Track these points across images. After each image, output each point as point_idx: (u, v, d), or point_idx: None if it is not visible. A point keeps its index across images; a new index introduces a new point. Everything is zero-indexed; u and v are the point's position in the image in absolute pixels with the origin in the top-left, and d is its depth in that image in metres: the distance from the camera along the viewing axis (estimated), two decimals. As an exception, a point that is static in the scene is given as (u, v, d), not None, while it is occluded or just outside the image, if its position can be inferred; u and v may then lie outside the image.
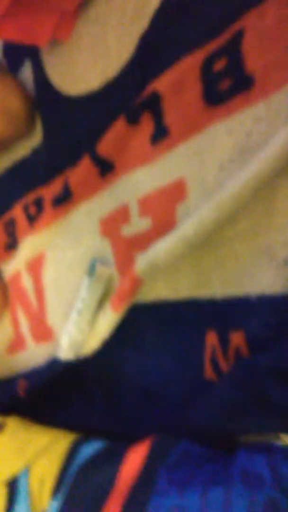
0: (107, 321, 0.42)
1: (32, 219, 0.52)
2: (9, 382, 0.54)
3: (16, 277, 0.55)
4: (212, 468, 0.32)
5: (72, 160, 0.47)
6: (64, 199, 0.47)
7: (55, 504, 0.32)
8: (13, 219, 0.55)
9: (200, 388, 0.38)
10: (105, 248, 0.45)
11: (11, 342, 0.57)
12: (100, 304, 0.44)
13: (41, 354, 0.52)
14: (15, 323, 0.56)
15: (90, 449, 0.36)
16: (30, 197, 0.53)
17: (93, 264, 0.44)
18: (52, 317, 0.51)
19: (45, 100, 0.51)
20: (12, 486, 0.36)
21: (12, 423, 0.43)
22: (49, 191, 0.50)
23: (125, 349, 0.44)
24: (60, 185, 0.49)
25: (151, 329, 0.42)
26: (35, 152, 0.53)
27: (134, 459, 0.33)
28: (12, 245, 0.57)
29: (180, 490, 0.30)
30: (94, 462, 0.35)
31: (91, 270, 0.44)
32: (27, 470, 0.36)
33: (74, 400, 0.48)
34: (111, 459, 0.34)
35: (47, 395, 0.49)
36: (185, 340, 0.40)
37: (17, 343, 0.56)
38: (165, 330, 0.41)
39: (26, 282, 0.54)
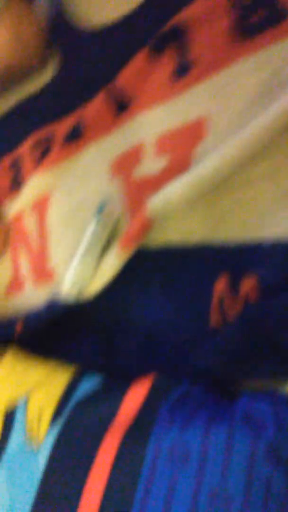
0: (113, 262, 0.41)
1: (40, 158, 0.51)
2: (6, 324, 0.53)
3: (19, 217, 0.54)
4: (214, 409, 0.32)
5: (86, 97, 0.45)
6: (75, 137, 0.46)
7: (51, 437, 0.32)
8: (20, 157, 0.54)
9: (204, 335, 0.38)
10: (114, 190, 0.44)
11: (9, 283, 0.56)
12: (107, 246, 0.43)
13: (39, 296, 0.51)
14: (15, 264, 0.55)
15: (90, 383, 0.36)
16: (39, 135, 0.51)
17: (102, 206, 0.43)
18: (54, 259, 0.49)
19: (60, 32, 0.48)
20: (9, 417, 0.35)
21: (10, 355, 0.43)
22: (60, 129, 0.48)
23: (130, 293, 0.43)
24: (71, 122, 0.47)
25: (158, 274, 0.42)
26: (47, 88, 0.51)
27: (135, 395, 0.33)
28: (17, 185, 0.55)
29: (181, 428, 0.30)
30: (94, 396, 0.34)
31: (99, 212, 0.43)
32: (25, 402, 0.36)
33: (74, 343, 0.47)
34: (111, 393, 0.34)
35: (45, 337, 0.49)
36: (192, 287, 0.39)
37: (15, 285, 0.55)
38: (172, 276, 0.41)
39: (29, 223, 0.53)
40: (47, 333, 0.48)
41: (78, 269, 0.41)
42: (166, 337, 0.40)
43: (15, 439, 0.34)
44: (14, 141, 0.55)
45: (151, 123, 0.40)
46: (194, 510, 0.26)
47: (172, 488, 0.28)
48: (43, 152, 0.50)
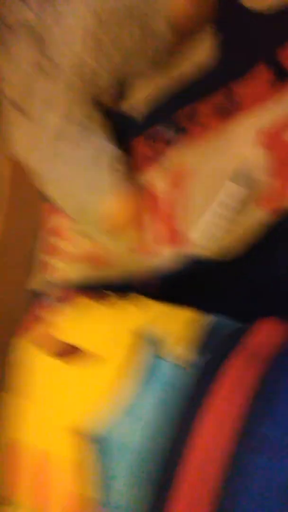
0: (253, 220, 0.42)
1: (182, 132, 0.53)
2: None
3: (150, 187, 0.57)
4: None
5: (242, 72, 0.48)
6: (225, 112, 0.48)
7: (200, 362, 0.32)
8: (161, 133, 0.57)
9: None
10: (259, 159, 0.45)
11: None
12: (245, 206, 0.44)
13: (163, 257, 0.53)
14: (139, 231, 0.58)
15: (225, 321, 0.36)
16: (183, 112, 0.54)
17: (242, 173, 0.44)
18: (184, 222, 0.51)
19: (225, 11, 0.51)
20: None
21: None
22: (208, 104, 0.51)
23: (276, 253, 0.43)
24: (223, 97, 0.49)
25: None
26: (199, 68, 0.54)
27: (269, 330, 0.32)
28: (152, 158, 0.58)
29: None
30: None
31: (239, 176, 0.44)
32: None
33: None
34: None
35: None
36: None
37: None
38: None
39: (161, 188, 0.55)
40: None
41: (210, 226, 0.42)
42: None
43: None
44: (158, 119, 0.59)
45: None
46: None
47: None
48: (187, 128, 0.53)
